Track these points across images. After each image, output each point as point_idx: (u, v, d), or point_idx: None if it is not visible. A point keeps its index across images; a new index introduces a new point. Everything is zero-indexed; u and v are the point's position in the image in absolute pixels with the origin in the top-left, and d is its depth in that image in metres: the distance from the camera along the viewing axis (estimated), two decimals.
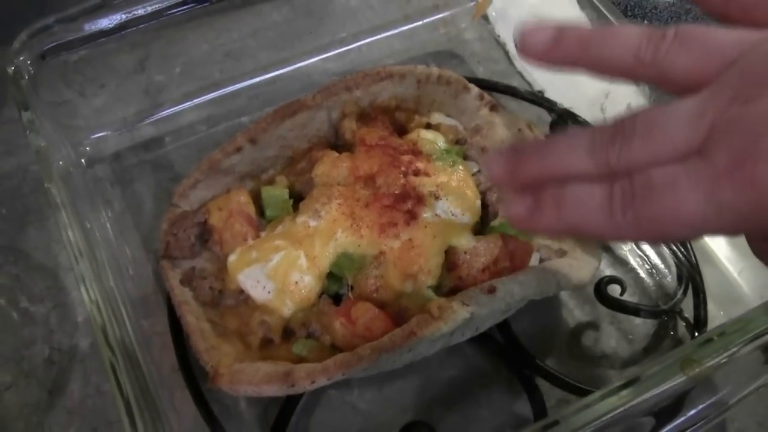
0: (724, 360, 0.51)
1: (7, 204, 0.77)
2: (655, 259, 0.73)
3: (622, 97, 0.73)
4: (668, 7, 0.95)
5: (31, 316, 0.71)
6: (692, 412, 0.52)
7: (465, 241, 0.64)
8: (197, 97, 0.82)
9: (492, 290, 0.58)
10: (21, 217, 0.77)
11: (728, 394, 0.53)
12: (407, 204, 0.64)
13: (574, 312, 0.70)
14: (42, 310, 0.71)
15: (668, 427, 0.52)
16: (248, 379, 0.57)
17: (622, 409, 0.49)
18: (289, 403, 0.64)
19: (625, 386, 0.50)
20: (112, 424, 0.65)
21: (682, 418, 0.52)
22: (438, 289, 0.63)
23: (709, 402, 0.52)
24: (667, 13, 0.95)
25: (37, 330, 0.70)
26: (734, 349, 0.51)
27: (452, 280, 0.63)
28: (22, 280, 0.73)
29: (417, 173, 0.66)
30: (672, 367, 0.50)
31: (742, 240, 0.63)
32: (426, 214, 0.64)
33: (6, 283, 0.72)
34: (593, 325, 0.70)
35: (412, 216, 0.63)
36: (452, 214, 0.65)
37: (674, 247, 0.71)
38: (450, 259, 0.64)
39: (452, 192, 0.66)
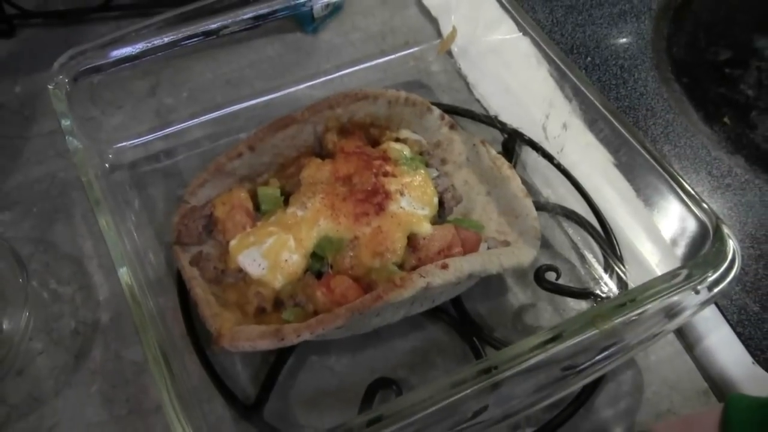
0: (634, 318, 0.62)
1: (38, 204, 0.88)
2: (586, 251, 0.85)
3: (559, 119, 0.85)
4: (609, 47, 1.09)
5: (60, 296, 0.81)
6: (603, 354, 0.64)
7: (424, 229, 0.76)
8: (201, 117, 0.93)
9: (445, 266, 0.70)
10: (50, 215, 0.87)
11: (632, 339, 0.64)
12: (377, 198, 0.76)
13: (518, 295, 0.82)
14: (69, 290, 0.82)
15: (583, 366, 0.63)
16: (246, 336, 0.68)
17: (544, 355, 0.59)
18: (277, 365, 0.75)
19: (551, 339, 0.60)
20: (128, 382, 0.75)
21: (595, 358, 0.63)
22: (401, 267, 0.74)
23: (617, 347, 0.64)
24: (608, 52, 1.09)
25: (64, 307, 0.80)
26: (641, 310, 0.62)
27: (413, 260, 0.74)
28: (51, 266, 0.83)
29: (386, 174, 0.79)
30: (588, 324, 0.61)
31: (660, 238, 0.77)
32: (392, 207, 0.76)
33: (38, 269, 0.83)
34: (533, 305, 0.82)
35: (381, 208, 0.76)
36: (414, 208, 0.77)
37: (601, 242, 0.83)
38: (411, 243, 0.75)
39: (414, 190, 0.79)
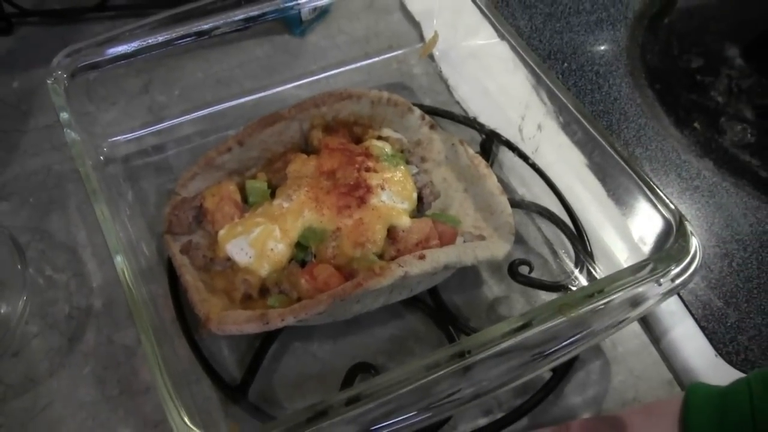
0: (600, 307, 0.66)
1: (35, 195, 0.92)
2: (558, 247, 0.88)
3: (535, 121, 0.89)
4: (585, 53, 1.13)
5: (55, 282, 0.84)
6: (570, 339, 0.66)
7: (403, 222, 0.79)
8: (192, 114, 0.97)
9: (422, 257, 0.73)
10: (46, 206, 0.91)
11: (598, 326, 0.67)
12: (359, 192, 0.80)
13: (493, 287, 0.86)
14: (63, 277, 0.85)
15: (551, 350, 0.66)
16: (232, 320, 0.72)
17: (514, 340, 0.63)
18: (262, 350, 0.78)
19: (521, 326, 0.64)
20: (119, 365, 0.79)
21: (563, 343, 0.66)
22: (381, 257, 0.77)
23: (583, 333, 0.66)
24: (584, 58, 1.13)
25: (59, 293, 0.83)
26: (607, 300, 0.66)
27: (392, 251, 0.78)
28: (47, 253, 0.86)
29: (368, 170, 0.82)
30: (556, 312, 0.65)
31: (629, 236, 0.80)
32: (373, 200, 0.79)
33: (34, 256, 0.86)
34: (507, 297, 0.85)
35: (362, 201, 0.79)
36: (394, 202, 0.81)
37: (573, 239, 0.87)
38: (391, 235, 0.79)
39: (395, 185, 0.82)
